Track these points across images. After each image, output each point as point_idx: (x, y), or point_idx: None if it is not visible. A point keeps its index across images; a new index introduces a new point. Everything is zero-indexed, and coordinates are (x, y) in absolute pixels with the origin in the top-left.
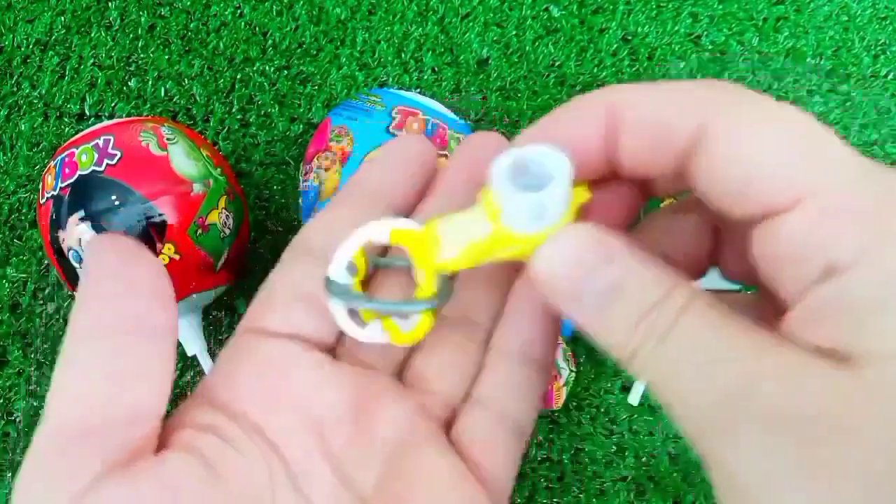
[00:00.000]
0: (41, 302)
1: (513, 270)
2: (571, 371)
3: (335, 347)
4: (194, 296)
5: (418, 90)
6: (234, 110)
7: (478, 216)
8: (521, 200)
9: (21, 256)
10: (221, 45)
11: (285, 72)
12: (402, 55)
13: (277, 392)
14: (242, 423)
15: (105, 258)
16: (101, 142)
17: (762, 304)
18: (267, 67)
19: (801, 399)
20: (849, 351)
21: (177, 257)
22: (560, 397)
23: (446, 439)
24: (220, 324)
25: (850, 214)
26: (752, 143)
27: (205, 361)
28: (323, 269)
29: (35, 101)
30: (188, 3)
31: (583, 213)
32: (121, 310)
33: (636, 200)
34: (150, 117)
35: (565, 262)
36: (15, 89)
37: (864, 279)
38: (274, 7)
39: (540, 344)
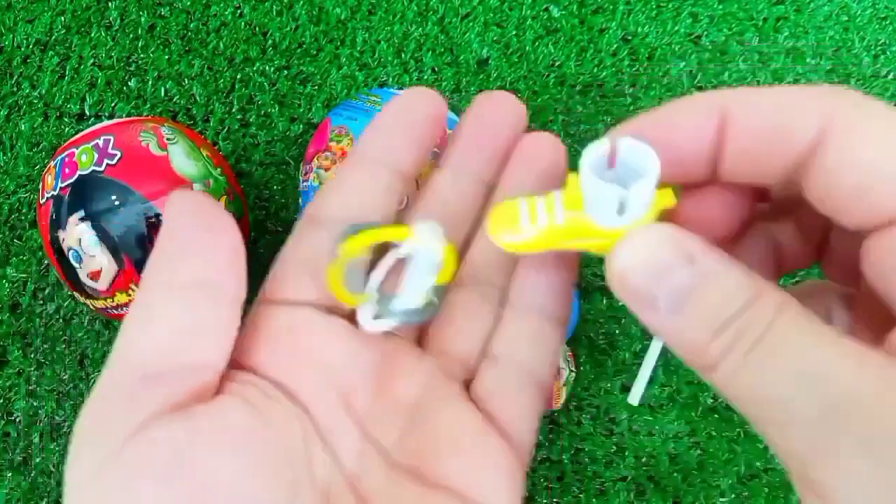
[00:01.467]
0: (41, 302)
1: None
2: (571, 371)
3: (353, 313)
4: None
5: None
6: (234, 110)
7: (559, 201)
8: (604, 193)
9: (21, 256)
10: (221, 45)
11: (285, 72)
12: (402, 55)
13: (300, 355)
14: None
15: (187, 219)
16: (101, 142)
17: (860, 305)
18: (267, 67)
19: None
20: None
21: None
22: (560, 397)
23: (466, 396)
24: None
25: None
26: (875, 148)
27: None
28: (333, 239)
29: (35, 101)
30: (188, 3)
31: (675, 219)
32: (196, 271)
33: (741, 210)
34: (150, 117)
35: (641, 261)
36: (15, 89)
37: None
38: (274, 7)
39: (555, 297)
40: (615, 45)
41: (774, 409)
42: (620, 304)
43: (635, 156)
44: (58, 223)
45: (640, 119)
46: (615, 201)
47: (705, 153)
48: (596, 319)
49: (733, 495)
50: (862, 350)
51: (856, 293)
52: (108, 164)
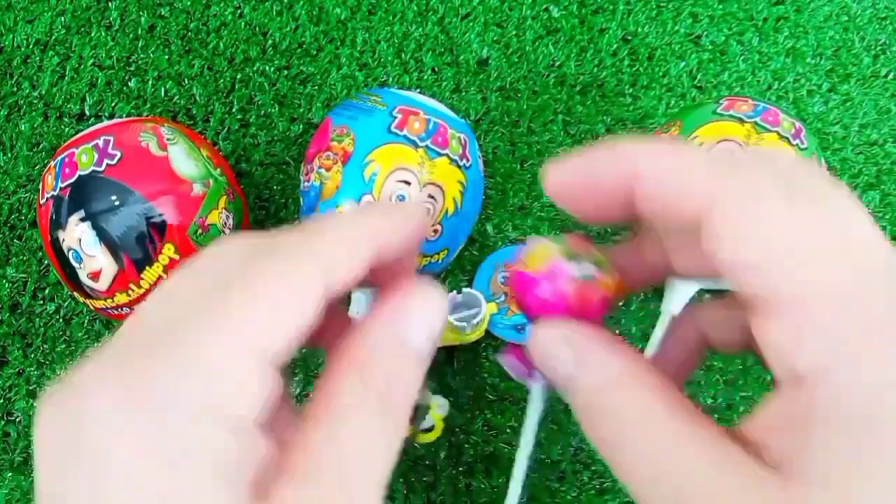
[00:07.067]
0: (41, 302)
1: None
2: None
3: None
4: None
5: (418, 90)
6: (234, 110)
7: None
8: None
9: (21, 256)
10: (221, 45)
11: (285, 72)
12: (402, 55)
13: None
14: None
15: None
16: (101, 142)
17: None
18: (267, 67)
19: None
20: (787, 464)
21: (177, 257)
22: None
23: None
24: None
25: (822, 331)
26: (761, 227)
27: None
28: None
29: (35, 101)
30: (188, 3)
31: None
32: None
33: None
34: (149, 117)
35: (540, 347)
36: (15, 89)
37: (815, 399)
38: (274, 7)
39: None
40: (615, 45)
41: (619, 468)
42: (620, 305)
43: (471, 296)
44: (58, 223)
45: (569, 162)
46: (458, 323)
47: (622, 197)
48: None
49: None
50: (688, 429)
51: None
52: (108, 165)
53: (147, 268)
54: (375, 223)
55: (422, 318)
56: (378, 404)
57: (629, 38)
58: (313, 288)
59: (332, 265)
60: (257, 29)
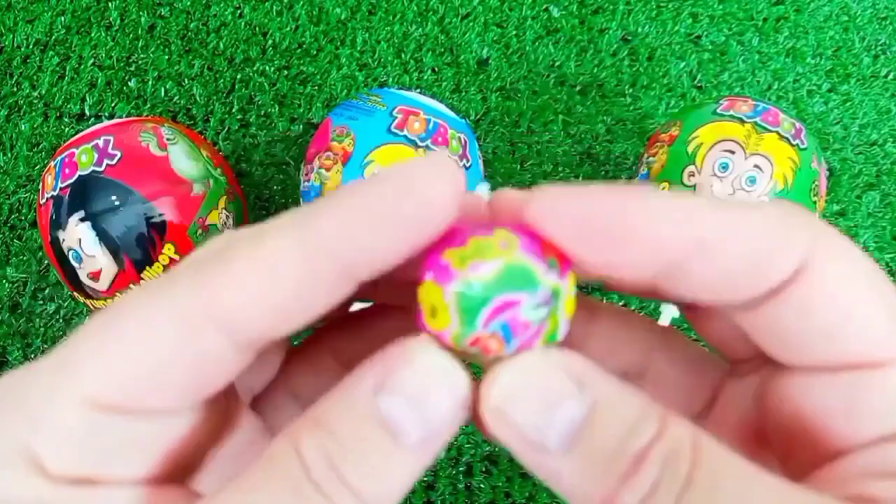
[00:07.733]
0: (41, 302)
1: None
2: None
3: None
4: None
5: (418, 90)
6: (234, 110)
7: None
8: None
9: (21, 256)
10: (221, 45)
11: (285, 72)
12: (402, 55)
13: None
14: None
15: None
16: (101, 142)
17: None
18: (267, 67)
19: None
20: None
21: (177, 258)
22: None
23: None
24: None
25: None
26: (855, 288)
27: None
28: None
29: (35, 101)
30: (188, 3)
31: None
32: None
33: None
34: (149, 117)
35: (524, 390)
36: (15, 89)
37: None
38: (274, 7)
39: None
40: (615, 45)
41: None
42: (620, 304)
43: None
44: (58, 223)
45: (628, 209)
46: None
47: (663, 265)
48: None
49: None
50: (795, 490)
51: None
52: (108, 165)
53: (147, 268)
54: (331, 228)
55: (417, 385)
56: (297, 496)
57: (629, 38)
58: (180, 327)
59: (233, 300)
60: (257, 29)
